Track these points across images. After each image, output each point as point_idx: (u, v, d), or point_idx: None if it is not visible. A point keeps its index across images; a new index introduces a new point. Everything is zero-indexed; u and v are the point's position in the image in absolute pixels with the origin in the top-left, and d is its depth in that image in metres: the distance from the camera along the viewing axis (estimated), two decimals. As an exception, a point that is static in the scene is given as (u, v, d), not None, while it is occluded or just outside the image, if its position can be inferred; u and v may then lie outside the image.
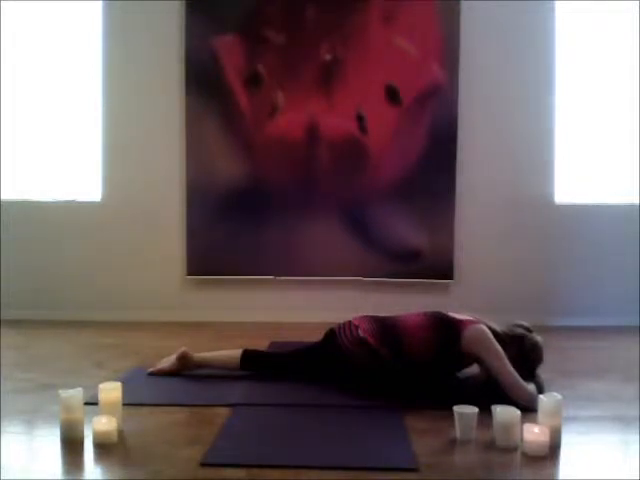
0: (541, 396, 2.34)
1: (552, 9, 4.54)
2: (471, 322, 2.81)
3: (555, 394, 2.33)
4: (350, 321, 2.99)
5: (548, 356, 2.88)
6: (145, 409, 2.61)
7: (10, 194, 4.65)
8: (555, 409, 2.27)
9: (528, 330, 2.88)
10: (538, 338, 2.85)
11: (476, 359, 2.82)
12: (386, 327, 2.90)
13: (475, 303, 4.33)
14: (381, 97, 4.49)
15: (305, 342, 3.16)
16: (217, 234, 4.57)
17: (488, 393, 2.61)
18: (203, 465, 2.06)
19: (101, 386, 2.39)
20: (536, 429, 2.19)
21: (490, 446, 2.23)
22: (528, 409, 2.42)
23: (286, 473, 2.02)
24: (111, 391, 2.38)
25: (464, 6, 4.47)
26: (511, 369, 2.66)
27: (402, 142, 4.50)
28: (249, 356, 3.05)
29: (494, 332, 2.81)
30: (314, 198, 4.55)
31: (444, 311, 2.94)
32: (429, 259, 4.55)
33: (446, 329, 2.81)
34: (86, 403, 2.37)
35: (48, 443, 2.28)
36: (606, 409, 2.70)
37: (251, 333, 4.13)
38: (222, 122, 4.52)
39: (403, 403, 2.68)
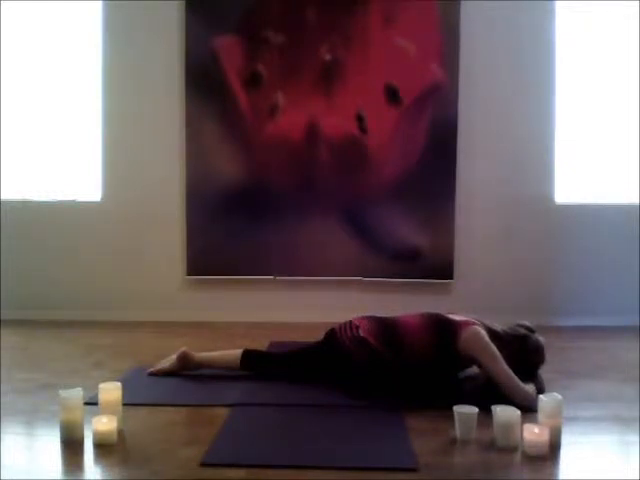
0: (541, 396, 2.34)
1: (552, 9, 4.54)
2: (468, 323, 2.81)
3: (555, 394, 2.33)
4: (350, 321, 2.99)
5: (548, 356, 2.89)
6: (145, 409, 2.61)
7: (10, 194, 4.65)
8: (555, 409, 2.28)
9: (530, 330, 2.88)
10: (541, 339, 2.85)
11: (473, 360, 2.82)
12: (386, 327, 2.90)
13: (475, 303, 4.34)
14: (381, 97, 4.49)
15: (305, 342, 3.16)
16: (217, 234, 4.57)
17: (488, 393, 2.61)
18: (203, 465, 2.06)
19: (101, 386, 2.40)
20: (536, 429, 2.19)
21: (490, 446, 2.23)
22: (527, 409, 2.42)
23: (286, 473, 2.02)
24: (111, 391, 2.39)
25: (464, 6, 4.47)
26: (507, 370, 2.65)
27: (402, 142, 4.50)
28: (249, 356, 3.05)
29: (494, 332, 2.82)
30: (314, 198, 4.54)
31: (443, 311, 2.95)
32: (429, 259, 4.55)
33: (444, 330, 2.81)
34: (86, 403, 2.38)
35: (48, 443, 2.28)
36: (606, 409, 2.69)
37: (251, 333, 4.13)
38: (222, 122, 4.52)
39: (403, 403, 2.68)
